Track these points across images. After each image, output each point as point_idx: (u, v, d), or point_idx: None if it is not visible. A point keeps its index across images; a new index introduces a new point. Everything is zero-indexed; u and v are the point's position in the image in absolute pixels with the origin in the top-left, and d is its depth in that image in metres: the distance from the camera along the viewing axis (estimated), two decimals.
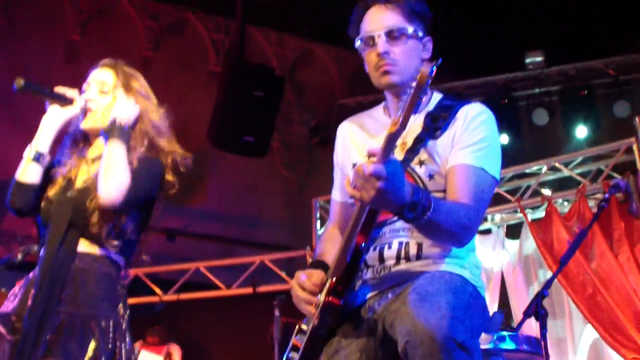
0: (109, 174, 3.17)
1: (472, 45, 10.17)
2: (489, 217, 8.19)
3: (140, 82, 3.52)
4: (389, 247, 2.80)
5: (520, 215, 7.81)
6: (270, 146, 10.12)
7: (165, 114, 3.55)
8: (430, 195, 2.50)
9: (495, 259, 7.95)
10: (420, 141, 2.78)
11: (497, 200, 8.02)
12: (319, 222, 8.75)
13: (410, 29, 2.86)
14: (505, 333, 2.76)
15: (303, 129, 11.90)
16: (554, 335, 7.43)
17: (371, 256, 2.82)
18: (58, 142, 3.44)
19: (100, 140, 3.38)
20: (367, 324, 2.76)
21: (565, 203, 7.69)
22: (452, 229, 2.57)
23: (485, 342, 2.67)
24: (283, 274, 8.89)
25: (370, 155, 2.42)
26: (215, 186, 11.07)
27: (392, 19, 2.87)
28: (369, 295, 2.81)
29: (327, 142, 10.67)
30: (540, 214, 7.75)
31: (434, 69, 2.37)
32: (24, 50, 9.87)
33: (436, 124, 2.81)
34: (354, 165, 2.96)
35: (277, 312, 6.61)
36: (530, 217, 7.72)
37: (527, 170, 8.02)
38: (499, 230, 8.14)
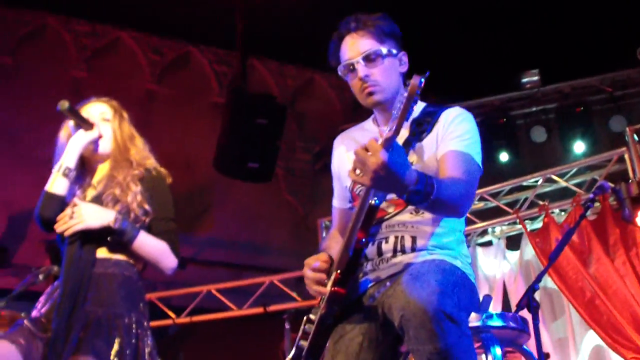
0: (157, 264, 3.64)
1: (468, 67, 10.40)
2: (490, 229, 8.41)
3: (125, 113, 3.95)
4: (386, 242, 3.05)
5: (519, 226, 8.02)
6: (275, 173, 10.23)
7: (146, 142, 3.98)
8: (432, 178, 2.70)
9: (497, 268, 8.15)
10: (408, 144, 3.07)
11: (497, 212, 8.25)
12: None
13: (384, 50, 3.14)
14: (492, 312, 2.97)
15: (306, 155, 12.06)
16: (555, 335, 7.61)
17: (370, 250, 3.07)
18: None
19: (101, 167, 3.82)
20: (368, 311, 3.02)
21: (562, 213, 7.88)
22: (454, 202, 2.81)
23: (474, 320, 2.89)
24: (292, 293, 9.06)
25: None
26: (222, 214, 11.21)
27: (366, 44, 3.14)
28: (370, 285, 3.05)
29: (331, 168, 10.79)
30: (538, 224, 7.94)
31: (423, 80, 2.62)
32: (31, 89, 10.10)
33: (421, 127, 3.10)
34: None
35: (287, 325, 6.75)
36: (529, 227, 7.92)
37: (525, 183, 8.21)
38: (500, 242, 8.35)
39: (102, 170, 3.81)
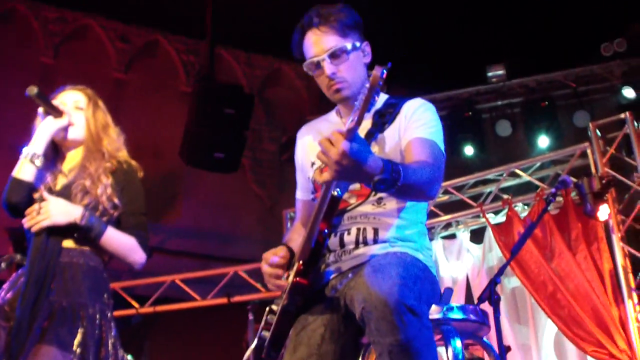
0: (125, 259, 3.65)
1: (435, 60, 10.44)
2: (453, 222, 8.48)
3: (101, 101, 3.94)
4: (348, 233, 3.07)
5: (483, 220, 8.10)
6: (242, 163, 10.24)
7: (120, 131, 3.96)
8: (398, 165, 2.69)
9: (461, 261, 8.22)
10: (370, 135, 3.08)
11: (461, 206, 8.33)
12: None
13: (348, 45, 3.15)
14: (453, 304, 3.01)
15: (273, 146, 12.07)
16: (520, 341, 7.69)
17: (333, 242, 3.09)
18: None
19: (72, 154, 3.80)
20: (330, 302, 3.04)
21: (526, 207, 7.97)
22: (421, 186, 2.80)
23: (435, 312, 2.92)
24: (257, 284, 9.07)
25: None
26: (189, 204, 11.20)
27: (330, 40, 3.15)
28: (332, 276, 3.07)
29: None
30: (502, 218, 8.04)
31: (385, 72, 2.61)
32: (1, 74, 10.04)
33: (383, 119, 3.12)
34: (313, 164, 3.28)
35: (250, 316, 6.77)
36: (492, 221, 8.01)
37: (489, 177, 8.29)
38: (464, 235, 8.43)
39: (74, 158, 3.80)
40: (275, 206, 11.56)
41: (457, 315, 3.01)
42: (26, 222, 3.46)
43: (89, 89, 3.94)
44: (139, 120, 10.27)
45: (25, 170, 3.63)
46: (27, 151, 3.65)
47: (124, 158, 3.83)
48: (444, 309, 2.97)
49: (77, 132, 3.78)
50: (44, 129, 3.70)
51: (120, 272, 9.15)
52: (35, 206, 3.45)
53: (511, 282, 7.85)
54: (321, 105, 12.28)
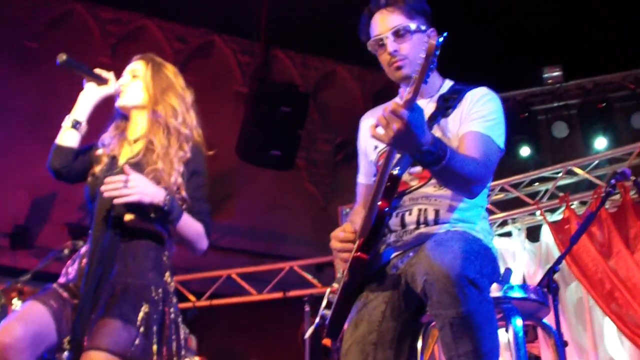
0: (193, 245, 3.58)
1: (491, 61, 10.41)
2: (510, 220, 8.42)
3: (168, 69, 3.85)
4: (410, 214, 3.10)
5: (539, 217, 8.06)
6: (296, 163, 10.35)
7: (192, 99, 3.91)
8: (447, 146, 2.77)
9: (517, 258, 8.16)
10: (433, 119, 3.13)
11: (517, 203, 8.27)
12: None
13: (412, 25, 3.21)
14: (514, 284, 3.01)
15: (328, 146, 12.13)
16: (576, 339, 7.56)
17: (394, 222, 3.12)
18: (102, 125, 3.80)
19: (138, 119, 3.75)
20: (391, 280, 3.08)
21: (583, 206, 7.90)
22: (465, 177, 2.85)
23: (495, 291, 2.93)
24: (313, 279, 9.12)
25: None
26: (243, 202, 11.28)
27: (395, 19, 3.21)
28: (393, 255, 3.11)
29: (352, 158, 10.85)
30: (559, 216, 7.98)
31: (441, 40, 2.67)
32: (56, 73, 10.18)
33: (447, 103, 3.17)
34: (375, 147, 3.32)
35: (307, 308, 6.76)
36: (549, 219, 7.94)
37: (545, 175, 8.23)
38: (520, 233, 8.37)
39: (138, 123, 3.75)
40: (329, 206, 11.60)
41: (517, 293, 3.00)
42: (109, 192, 3.32)
43: (151, 54, 3.88)
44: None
45: (66, 136, 3.68)
46: (69, 117, 3.71)
47: (194, 137, 3.74)
48: (505, 287, 2.97)
49: (130, 99, 3.74)
50: (85, 96, 3.74)
51: (174, 268, 9.25)
52: (121, 177, 3.33)
53: (568, 282, 7.76)
54: (375, 107, 12.30)
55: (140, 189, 3.33)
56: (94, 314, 3.26)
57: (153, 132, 3.65)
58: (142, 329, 3.26)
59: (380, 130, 2.68)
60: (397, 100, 3.42)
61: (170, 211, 3.39)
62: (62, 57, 3.61)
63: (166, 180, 3.50)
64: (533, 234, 8.36)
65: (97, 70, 3.76)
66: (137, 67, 3.80)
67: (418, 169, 3.12)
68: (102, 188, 3.34)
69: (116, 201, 3.33)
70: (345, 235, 3.11)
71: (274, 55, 11.49)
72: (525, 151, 10.59)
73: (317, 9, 10.40)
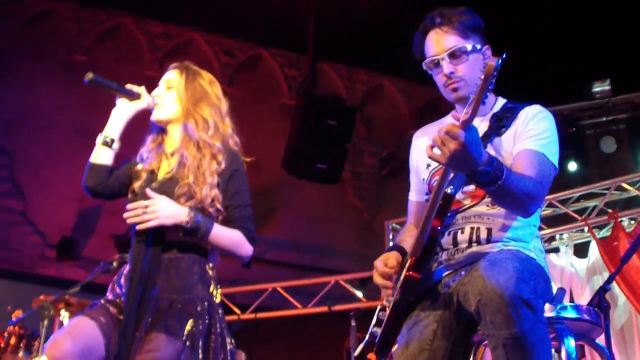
0: (233, 253, 3.56)
1: (539, 75, 10.36)
2: (557, 236, 8.36)
3: (203, 77, 3.84)
4: (462, 232, 3.09)
5: (587, 234, 7.98)
6: (342, 177, 10.35)
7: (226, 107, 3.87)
8: (503, 165, 2.77)
9: (564, 275, 8.09)
10: (487, 138, 3.10)
11: (565, 219, 8.20)
12: (391, 244, 8.90)
13: (468, 46, 3.18)
14: (567, 304, 2.99)
15: (374, 160, 12.15)
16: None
17: (446, 240, 3.11)
18: (139, 140, 3.81)
19: (173, 132, 3.74)
20: (443, 298, 3.06)
21: (632, 222, 7.81)
22: (520, 196, 2.84)
23: (548, 311, 2.91)
24: (358, 294, 9.09)
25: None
26: (288, 216, 11.34)
27: (450, 40, 3.19)
28: (444, 273, 3.10)
29: (398, 172, 10.90)
30: (607, 233, 7.89)
31: (500, 62, 2.66)
32: None
33: (500, 122, 3.15)
34: (428, 165, 3.31)
35: (353, 323, 6.75)
36: (597, 235, 7.86)
37: (594, 191, 8.16)
38: (567, 249, 8.29)
39: (174, 134, 3.73)
40: (373, 220, 11.60)
41: (570, 314, 2.98)
42: (130, 219, 3.38)
43: (187, 62, 3.87)
44: (239, 133, 10.38)
45: (99, 154, 3.70)
46: (101, 135, 3.72)
47: (229, 146, 3.71)
48: (557, 307, 2.95)
49: (164, 112, 3.72)
50: (117, 112, 3.74)
51: (220, 280, 9.29)
52: (141, 203, 3.38)
53: (615, 300, 7.67)
54: (421, 121, 12.33)
55: (160, 213, 3.35)
56: (138, 331, 3.28)
57: (185, 145, 3.63)
58: (187, 342, 3.27)
59: (437, 151, 2.69)
60: (450, 118, 3.41)
61: (195, 229, 3.40)
62: (89, 75, 3.63)
63: (198, 194, 3.49)
64: (580, 250, 8.28)
65: (129, 86, 3.76)
66: (172, 77, 3.78)
67: (471, 187, 3.11)
68: (125, 215, 3.39)
69: (138, 227, 3.37)
70: (383, 270, 3.10)
71: (321, 68, 11.51)
72: (572, 166, 10.52)
73: (363, 22, 10.44)
